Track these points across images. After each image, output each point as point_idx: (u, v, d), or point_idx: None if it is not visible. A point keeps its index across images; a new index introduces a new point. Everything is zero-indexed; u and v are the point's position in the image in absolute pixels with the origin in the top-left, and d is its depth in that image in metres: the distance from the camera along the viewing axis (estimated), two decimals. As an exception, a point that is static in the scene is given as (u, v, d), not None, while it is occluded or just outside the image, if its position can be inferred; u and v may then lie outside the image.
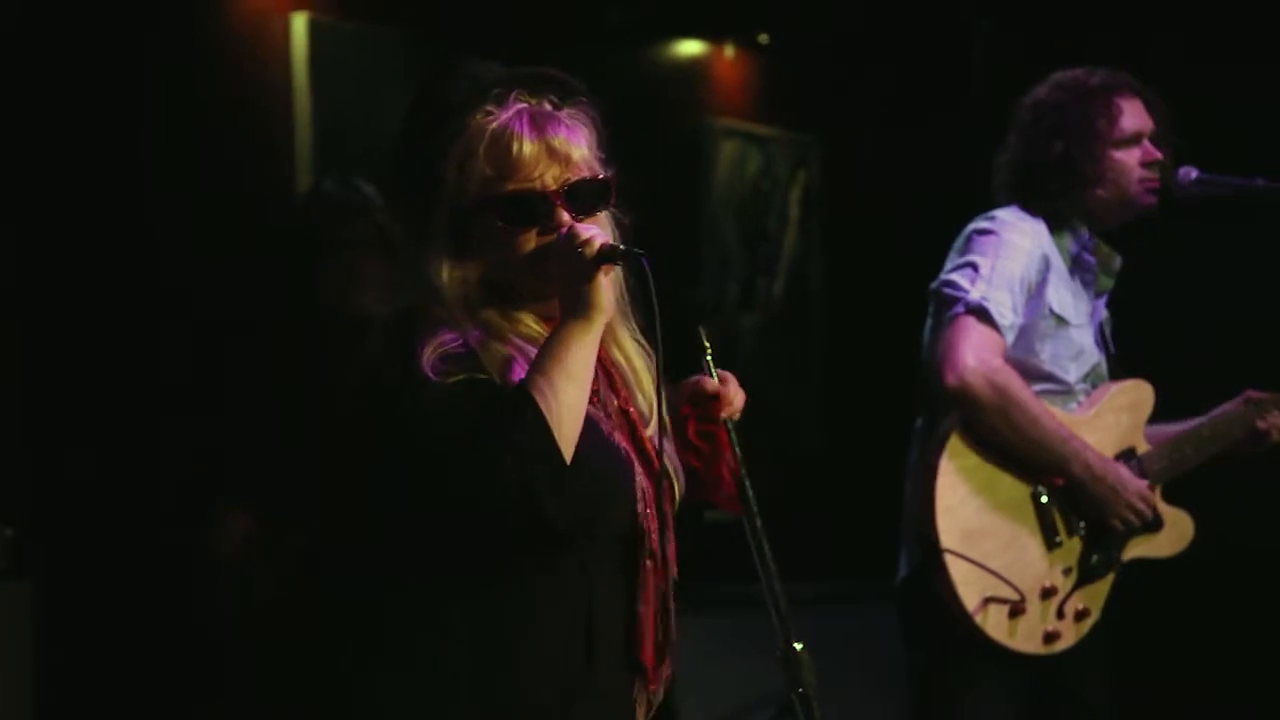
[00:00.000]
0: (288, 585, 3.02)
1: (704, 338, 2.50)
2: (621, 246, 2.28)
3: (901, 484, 3.62)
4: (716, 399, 2.47)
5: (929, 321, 3.58)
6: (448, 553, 2.25)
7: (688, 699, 4.68)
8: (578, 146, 2.31)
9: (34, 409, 4.35)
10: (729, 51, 6.03)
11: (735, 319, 6.12)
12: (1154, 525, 3.62)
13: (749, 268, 6.16)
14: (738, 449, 2.45)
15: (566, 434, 2.21)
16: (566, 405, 2.21)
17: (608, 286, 2.26)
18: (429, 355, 2.21)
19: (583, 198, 2.30)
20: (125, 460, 4.41)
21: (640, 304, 2.32)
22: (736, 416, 2.48)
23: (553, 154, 2.29)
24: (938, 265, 3.62)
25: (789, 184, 6.25)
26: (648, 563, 2.31)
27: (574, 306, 2.25)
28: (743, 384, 2.52)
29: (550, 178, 2.29)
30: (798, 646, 2.42)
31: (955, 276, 3.54)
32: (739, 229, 6.13)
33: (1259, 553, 5.05)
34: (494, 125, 2.29)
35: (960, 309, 3.49)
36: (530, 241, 2.29)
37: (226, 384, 3.94)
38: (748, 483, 2.45)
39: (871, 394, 5.26)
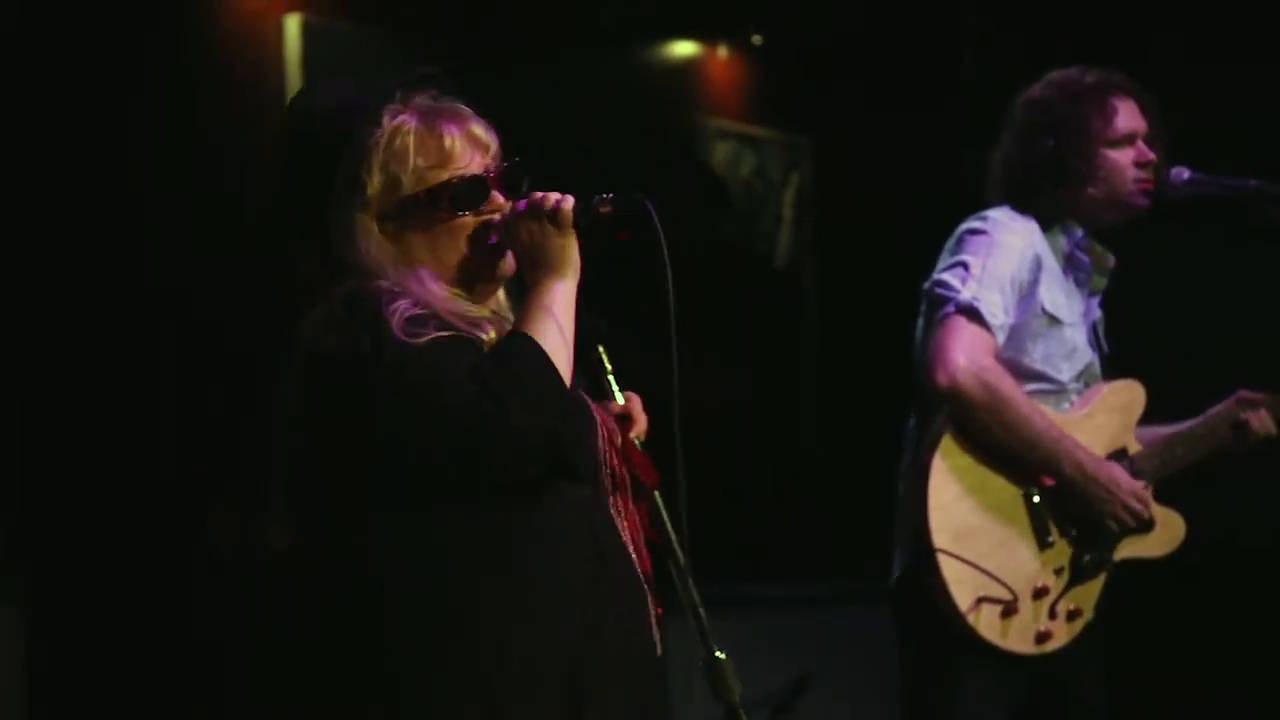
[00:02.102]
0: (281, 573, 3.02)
1: (604, 358, 2.56)
2: (594, 199, 2.40)
3: (896, 484, 3.63)
4: (627, 420, 2.53)
5: (920, 321, 3.58)
6: (452, 495, 2.29)
7: (681, 698, 4.68)
8: (493, 138, 2.44)
9: (26, 410, 4.35)
10: (722, 52, 6.04)
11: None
12: (1146, 525, 3.62)
13: (742, 268, 6.17)
14: (654, 467, 2.49)
15: (565, 376, 2.33)
16: (560, 354, 2.32)
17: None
18: (396, 322, 2.27)
19: (511, 180, 2.43)
20: (118, 461, 4.42)
21: (646, 248, 2.41)
22: (643, 436, 2.54)
23: (476, 143, 2.42)
24: (931, 265, 3.63)
25: (782, 185, 6.26)
26: (620, 492, 2.43)
27: (553, 266, 2.38)
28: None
29: (477, 165, 2.41)
30: (720, 655, 2.44)
31: (946, 276, 3.54)
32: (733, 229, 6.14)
33: (1252, 553, 5.05)
34: (413, 124, 2.39)
35: (951, 309, 3.49)
36: (469, 225, 2.41)
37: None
38: (661, 502, 2.48)
39: (866, 394, 5.26)
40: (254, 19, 4.83)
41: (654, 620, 2.44)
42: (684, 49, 6.00)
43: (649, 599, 2.43)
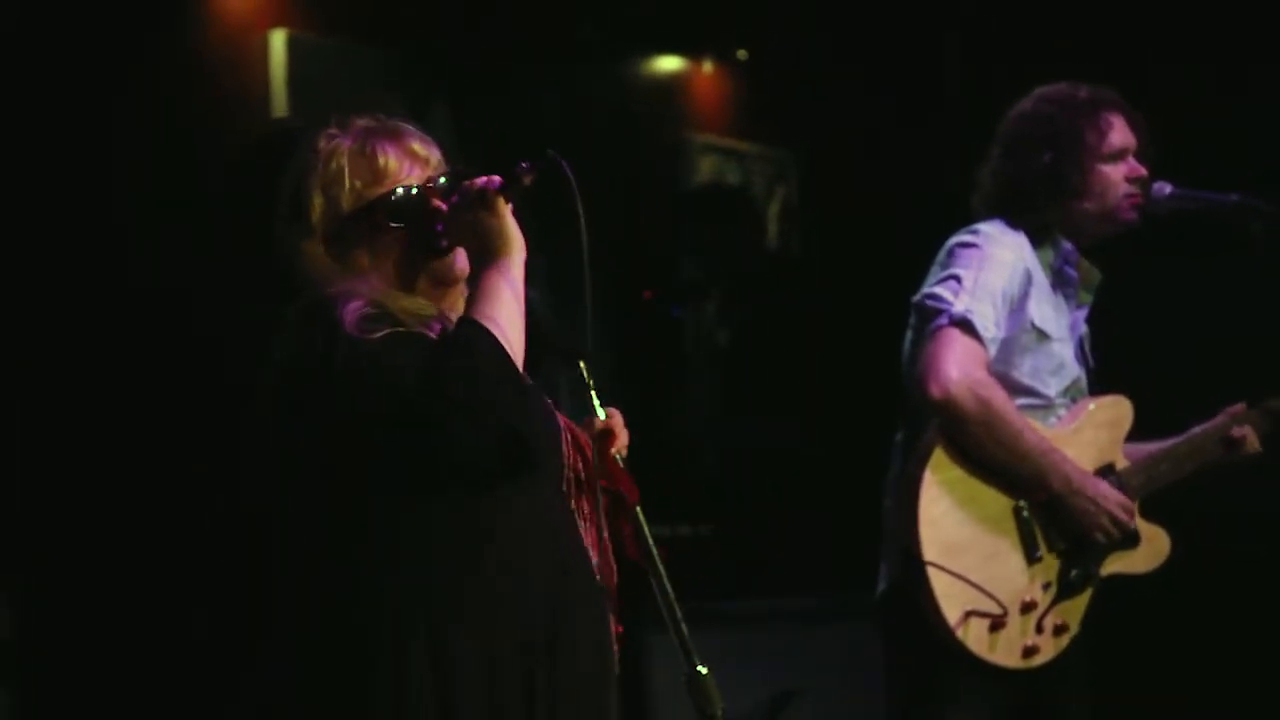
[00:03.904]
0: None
1: (585, 373, 2.57)
2: (516, 170, 2.41)
3: (882, 497, 3.64)
4: (608, 435, 2.55)
5: (910, 334, 3.58)
6: (415, 493, 2.32)
7: (670, 712, 4.70)
8: (433, 150, 2.48)
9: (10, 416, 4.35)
10: (707, 67, 6.05)
11: (714, 334, 6.14)
12: (1132, 541, 3.63)
13: (727, 283, 6.17)
14: (633, 480, 2.51)
15: (515, 356, 2.34)
16: (509, 336, 2.33)
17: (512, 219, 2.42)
18: (349, 321, 2.31)
19: (452, 188, 2.45)
20: (115, 462, 4.42)
21: (562, 204, 2.43)
22: (624, 452, 2.56)
23: (414, 158, 2.46)
24: (916, 278, 3.63)
25: (768, 199, 6.27)
26: (585, 499, 2.46)
27: (493, 247, 2.40)
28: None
29: (417, 179, 2.45)
30: (702, 670, 2.45)
31: (938, 289, 3.54)
32: (718, 244, 6.15)
33: (1234, 567, 5.06)
34: (350, 145, 2.44)
35: (944, 321, 3.49)
36: (411, 235, 2.44)
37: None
38: (641, 513, 2.50)
39: (852, 407, 5.27)
40: (240, 34, 4.83)
41: (613, 637, 2.46)
42: (669, 64, 6.01)
43: (609, 616, 2.45)
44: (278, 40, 4.86)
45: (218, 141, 4.67)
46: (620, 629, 2.47)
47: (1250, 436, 3.75)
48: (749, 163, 6.20)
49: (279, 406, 2.37)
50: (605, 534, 2.48)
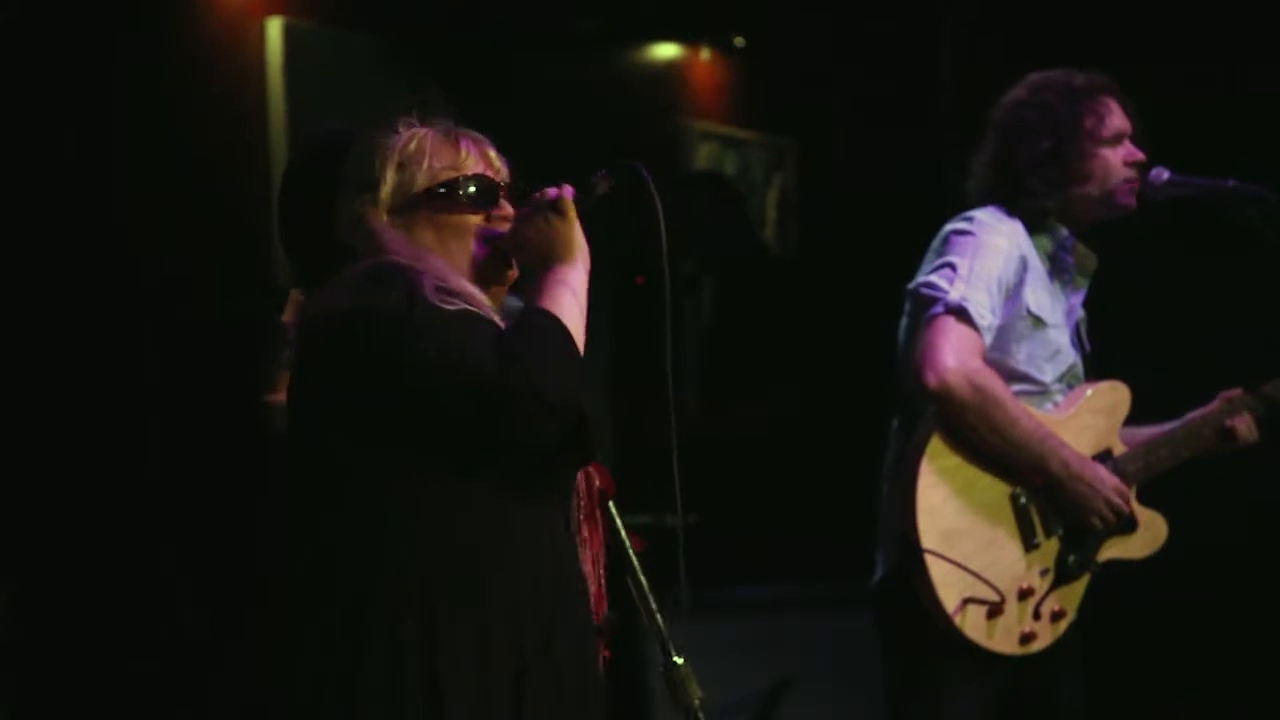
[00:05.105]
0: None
1: None
2: (591, 180, 2.46)
3: (877, 485, 3.64)
4: None
5: (905, 322, 3.59)
6: (460, 464, 2.32)
7: (667, 700, 4.69)
8: (504, 164, 2.52)
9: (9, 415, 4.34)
10: (705, 55, 6.05)
11: (709, 321, 6.15)
12: (1129, 526, 3.64)
13: (726, 270, 6.18)
14: (609, 473, 2.52)
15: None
16: (578, 333, 2.36)
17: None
18: (427, 286, 2.32)
19: (519, 195, 2.50)
20: (104, 463, 4.41)
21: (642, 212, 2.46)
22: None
23: (490, 163, 2.50)
24: (914, 265, 3.64)
25: (765, 186, 6.27)
26: (586, 525, 2.49)
27: (562, 255, 2.42)
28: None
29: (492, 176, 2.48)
30: (678, 660, 2.46)
31: (934, 277, 3.55)
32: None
33: (1229, 552, 5.07)
34: (435, 131, 2.47)
35: (940, 309, 3.50)
36: (474, 226, 2.46)
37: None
38: (613, 506, 2.51)
39: (850, 395, 5.27)
40: (236, 21, 4.83)
41: (600, 660, 2.47)
42: (667, 52, 6.01)
43: (598, 638, 2.47)
44: (274, 28, 4.86)
45: (215, 128, 4.68)
46: (609, 654, 2.49)
47: (1246, 423, 3.76)
48: (747, 150, 6.20)
49: (316, 362, 2.35)
50: (601, 568, 2.50)
